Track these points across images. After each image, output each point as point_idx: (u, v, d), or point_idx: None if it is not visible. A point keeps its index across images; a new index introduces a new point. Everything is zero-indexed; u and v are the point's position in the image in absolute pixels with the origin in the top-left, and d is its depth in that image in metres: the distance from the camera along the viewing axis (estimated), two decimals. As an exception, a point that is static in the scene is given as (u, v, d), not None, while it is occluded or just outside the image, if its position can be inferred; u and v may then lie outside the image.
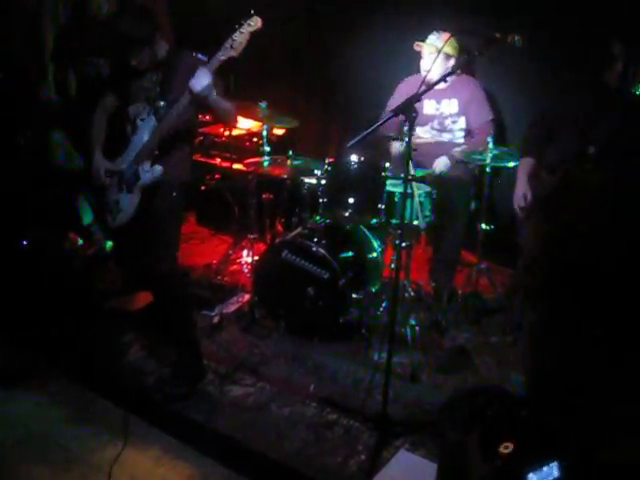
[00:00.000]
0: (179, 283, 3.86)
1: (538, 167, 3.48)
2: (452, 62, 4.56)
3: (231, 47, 3.38)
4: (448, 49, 4.47)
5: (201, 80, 3.36)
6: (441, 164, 4.53)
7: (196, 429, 3.55)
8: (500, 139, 4.49)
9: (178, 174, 3.70)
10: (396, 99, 4.70)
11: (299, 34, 5.72)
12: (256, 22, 3.39)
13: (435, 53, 4.41)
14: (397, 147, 4.65)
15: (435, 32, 4.58)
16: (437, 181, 4.45)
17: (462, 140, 4.72)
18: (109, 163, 3.72)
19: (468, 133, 4.72)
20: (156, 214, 3.66)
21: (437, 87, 3.66)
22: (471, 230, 4.74)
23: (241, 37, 3.37)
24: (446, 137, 4.74)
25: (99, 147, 3.78)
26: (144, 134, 3.55)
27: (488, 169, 4.40)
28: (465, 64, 4.27)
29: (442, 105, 4.69)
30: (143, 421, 3.59)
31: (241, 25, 3.37)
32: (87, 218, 3.75)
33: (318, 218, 4.50)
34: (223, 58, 3.42)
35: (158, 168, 3.55)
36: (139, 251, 3.79)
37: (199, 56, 3.57)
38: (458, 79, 4.24)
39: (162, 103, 3.52)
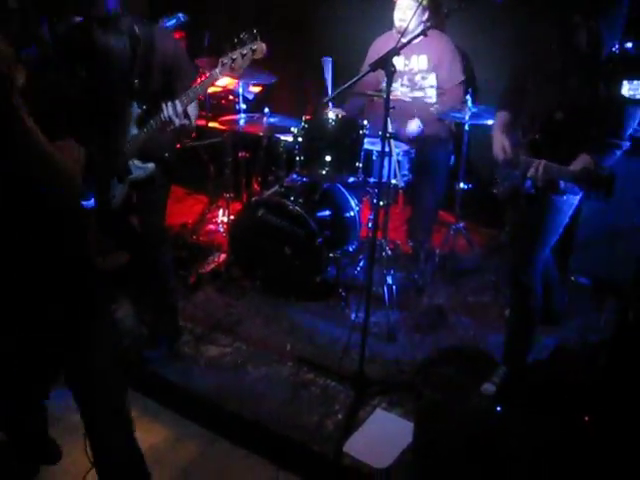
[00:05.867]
0: (167, 249, 3.78)
1: (513, 120, 3.45)
2: (427, 14, 4.46)
3: (230, 67, 3.18)
4: (426, 0, 4.38)
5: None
6: (413, 126, 4.47)
7: (172, 390, 3.53)
8: (475, 98, 4.43)
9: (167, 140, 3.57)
10: (371, 56, 4.61)
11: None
12: (260, 49, 3.18)
13: (412, 3, 4.32)
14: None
15: None
16: (415, 140, 4.41)
17: (434, 98, 4.63)
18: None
19: (441, 93, 4.63)
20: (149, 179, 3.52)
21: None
22: (449, 189, 4.71)
23: (241, 61, 3.17)
24: (417, 94, 4.65)
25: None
26: (131, 123, 3.32)
27: (466, 127, 4.36)
28: (443, 18, 4.17)
29: (411, 61, 4.58)
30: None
31: (243, 44, 3.16)
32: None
33: (295, 176, 4.44)
34: (219, 77, 3.24)
35: (150, 166, 3.41)
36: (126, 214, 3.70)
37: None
38: (428, 34, 4.00)
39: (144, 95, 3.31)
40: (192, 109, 3.35)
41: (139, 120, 3.32)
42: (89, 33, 3.11)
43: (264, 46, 3.19)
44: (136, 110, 3.31)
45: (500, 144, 3.32)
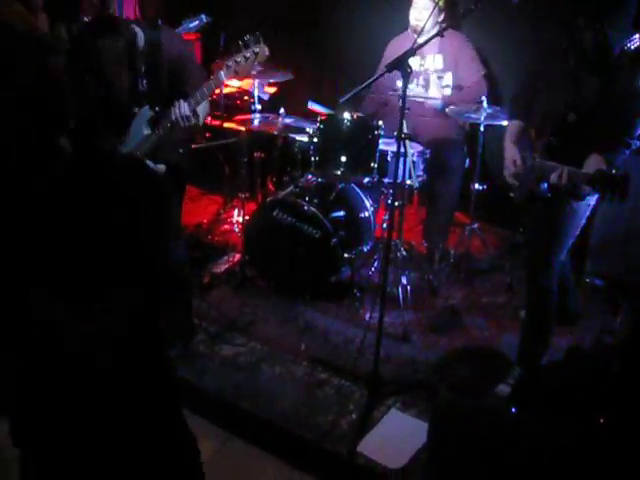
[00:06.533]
0: (180, 246, 3.79)
1: (526, 129, 3.44)
2: (443, 15, 4.46)
3: (235, 72, 3.20)
4: (442, 1, 4.38)
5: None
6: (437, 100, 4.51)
7: (187, 389, 3.54)
8: (491, 98, 4.41)
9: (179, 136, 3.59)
10: (387, 57, 4.61)
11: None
12: (263, 52, 3.18)
13: (428, 3, 4.32)
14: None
15: None
16: (430, 141, 4.41)
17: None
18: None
19: (459, 89, 4.61)
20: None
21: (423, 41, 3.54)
22: (464, 190, 4.70)
23: (245, 63, 3.18)
24: (433, 94, 4.65)
25: None
26: (143, 124, 3.32)
27: (482, 128, 4.36)
28: (459, 18, 4.17)
29: (427, 61, 4.57)
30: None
31: (247, 46, 3.17)
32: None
33: (310, 177, 4.44)
34: (224, 80, 3.27)
35: (161, 167, 3.41)
36: None
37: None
38: (444, 34, 3.98)
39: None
40: (202, 108, 3.35)
41: (151, 122, 3.33)
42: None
43: (266, 49, 3.21)
44: (147, 112, 3.33)
45: (511, 157, 3.32)
